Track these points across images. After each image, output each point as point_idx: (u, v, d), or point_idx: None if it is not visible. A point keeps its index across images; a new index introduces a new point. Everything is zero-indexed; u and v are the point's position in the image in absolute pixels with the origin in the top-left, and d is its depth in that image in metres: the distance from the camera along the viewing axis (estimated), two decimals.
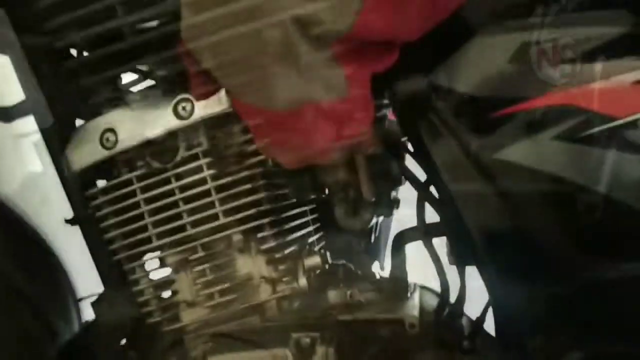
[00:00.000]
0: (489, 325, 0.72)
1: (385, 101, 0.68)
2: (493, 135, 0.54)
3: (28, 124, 0.83)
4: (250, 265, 0.72)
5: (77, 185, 0.78)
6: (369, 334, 0.66)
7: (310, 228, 0.82)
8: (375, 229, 0.78)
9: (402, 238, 0.70)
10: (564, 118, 0.50)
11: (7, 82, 0.81)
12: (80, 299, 0.91)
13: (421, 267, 0.81)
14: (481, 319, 0.69)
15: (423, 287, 0.76)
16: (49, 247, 0.98)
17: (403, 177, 0.72)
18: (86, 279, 0.92)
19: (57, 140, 0.78)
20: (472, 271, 0.65)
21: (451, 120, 0.56)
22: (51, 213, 1.01)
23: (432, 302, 0.72)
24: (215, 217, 0.69)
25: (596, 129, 0.50)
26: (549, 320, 0.55)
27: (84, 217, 0.80)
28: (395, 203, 0.75)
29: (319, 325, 0.63)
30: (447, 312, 0.65)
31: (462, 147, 0.54)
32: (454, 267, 0.67)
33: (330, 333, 0.61)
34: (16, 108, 0.82)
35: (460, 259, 0.64)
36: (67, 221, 0.82)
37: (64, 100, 0.77)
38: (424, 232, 0.63)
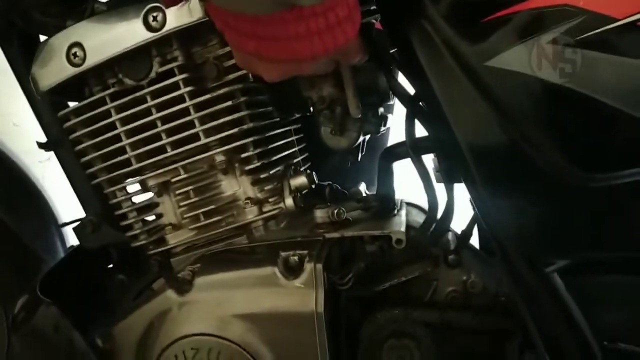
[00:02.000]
0: (474, 240, 0.74)
1: (373, 7, 0.64)
2: (486, 41, 0.50)
3: None
4: (235, 186, 0.70)
5: (46, 106, 0.75)
6: (356, 251, 0.66)
7: (295, 148, 0.80)
8: (362, 147, 0.76)
9: (390, 155, 0.68)
10: (561, 20, 0.47)
11: None
12: (63, 225, 0.90)
13: (409, 184, 0.81)
14: (467, 233, 0.69)
15: (410, 204, 0.76)
16: (24, 174, 0.96)
17: (391, 91, 0.69)
18: (68, 204, 0.90)
19: (22, 60, 0.73)
20: (458, 188, 0.65)
21: (443, 27, 0.52)
22: (25, 139, 0.97)
23: (419, 218, 0.72)
24: (195, 137, 0.67)
25: (594, 32, 0.46)
26: (536, 232, 0.54)
27: (57, 141, 0.77)
28: (383, 120, 0.72)
29: (307, 243, 0.63)
30: (433, 227, 0.65)
31: (455, 54, 0.51)
32: (442, 185, 0.66)
33: (318, 251, 0.60)
34: None
35: (448, 175, 0.62)
36: (40, 145, 0.79)
37: (26, 14, 0.71)
38: (412, 148, 0.61)
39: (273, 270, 0.59)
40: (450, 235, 0.70)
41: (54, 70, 0.67)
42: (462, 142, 0.51)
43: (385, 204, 0.70)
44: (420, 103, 0.63)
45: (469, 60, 0.50)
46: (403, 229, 0.63)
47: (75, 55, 0.66)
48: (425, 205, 0.68)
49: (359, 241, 0.66)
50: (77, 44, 0.65)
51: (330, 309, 0.59)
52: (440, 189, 0.66)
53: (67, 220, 0.85)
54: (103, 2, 0.71)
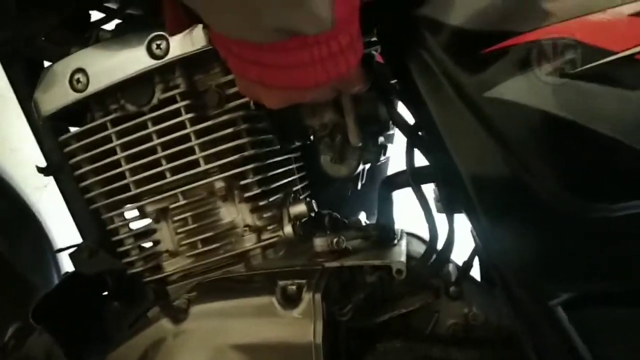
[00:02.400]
0: (475, 272, 0.73)
1: (373, 39, 0.65)
2: (486, 72, 0.51)
3: None
4: (233, 213, 0.70)
5: (48, 131, 0.75)
6: (356, 281, 0.65)
7: (295, 176, 0.80)
8: (362, 176, 0.76)
9: (390, 184, 0.68)
10: (559, 52, 0.48)
11: None
12: (58, 250, 0.89)
13: (409, 213, 0.80)
14: (468, 264, 0.68)
15: (410, 234, 0.75)
16: (21, 200, 0.95)
17: (391, 121, 0.69)
18: (63, 230, 0.89)
19: (25, 84, 0.74)
20: (458, 218, 0.64)
21: (442, 57, 0.53)
22: (23, 164, 0.97)
23: (420, 249, 0.71)
24: (195, 163, 0.67)
25: (592, 64, 0.47)
26: (537, 262, 0.54)
27: (57, 166, 0.77)
28: (383, 149, 0.72)
29: (305, 272, 0.62)
30: (434, 258, 0.64)
31: (454, 85, 0.51)
32: (442, 215, 0.66)
33: (317, 280, 0.59)
34: None
35: (449, 205, 0.62)
36: (39, 170, 0.79)
37: (31, 40, 0.72)
38: (412, 177, 0.61)
39: (271, 300, 0.58)
40: (451, 266, 0.69)
41: (56, 95, 0.68)
42: (463, 172, 0.51)
43: (385, 234, 0.69)
44: (420, 133, 0.64)
45: (469, 91, 0.50)
46: (403, 259, 0.62)
47: (78, 81, 0.66)
48: (426, 236, 0.67)
49: (358, 271, 0.65)
50: (81, 70, 0.66)
51: (329, 340, 0.57)
52: (440, 219, 0.66)
53: (63, 247, 0.85)
54: (108, 30, 0.72)
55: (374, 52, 0.67)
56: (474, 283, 0.69)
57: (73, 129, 0.72)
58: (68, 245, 0.84)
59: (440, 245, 0.66)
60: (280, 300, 0.58)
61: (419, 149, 0.61)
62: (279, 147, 0.74)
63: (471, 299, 0.67)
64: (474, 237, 0.65)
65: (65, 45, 0.70)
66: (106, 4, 0.77)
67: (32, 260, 0.95)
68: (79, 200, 0.75)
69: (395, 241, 0.70)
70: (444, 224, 0.66)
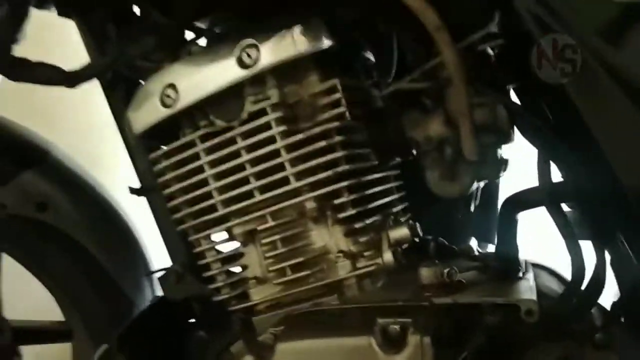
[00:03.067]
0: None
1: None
2: None
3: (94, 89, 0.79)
4: (326, 237, 0.62)
5: (141, 150, 0.73)
6: (474, 322, 0.53)
7: (395, 196, 0.71)
8: (476, 196, 0.65)
9: (516, 203, 0.56)
10: None
11: (71, 46, 0.78)
12: (150, 273, 0.87)
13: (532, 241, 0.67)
14: (619, 306, 0.54)
15: (537, 265, 0.62)
16: (120, 216, 0.96)
17: (513, 130, 0.58)
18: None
19: (123, 106, 0.73)
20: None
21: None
22: (122, 182, 0.98)
23: (551, 284, 0.58)
24: (285, 180, 0.60)
25: None
26: None
27: (149, 186, 0.75)
28: (504, 163, 0.61)
29: (410, 309, 0.52)
30: (579, 297, 0.51)
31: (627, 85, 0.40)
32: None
33: (425, 319, 0.49)
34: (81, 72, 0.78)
35: (597, 231, 0.49)
36: (132, 191, 0.78)
37: (130, 62, 0.72)
38: (550, 195, 0.49)
39: (369, 341, 0.49)
40: (594, 309, 0.55)
41: (147, 112, 0.66)
42: (629, 189, 0.39)
43: (507, 264, 0.57)
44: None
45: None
46: (534, 296, 0.50)
47: (168, 96, 0.63)
48: (558, 268, 0.54)
49: (475, 310, 0.54)
50: (171, 85, 0.63)
51: None
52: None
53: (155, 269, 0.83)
54: (200, 45, 0.69)
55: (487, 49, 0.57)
56: (623, 330, 0.54)
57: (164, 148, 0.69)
58: (161, 268, 0.83)
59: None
60: (380, 343, 0.49)
61: (555, 162, 0.49)
62: (376, 163, 0.66)
63: (623, 349, 0.52)
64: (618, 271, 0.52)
65: (161, 64, 0.69)
66: (197, 25, 0.75)
67: (133, 281, 0.95)
68: (168, 221, 0.72)
69: (521, 274, 0.57)
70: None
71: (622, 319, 0.55)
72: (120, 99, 0.77)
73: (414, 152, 0.65)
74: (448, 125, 0.58)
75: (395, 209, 0.69)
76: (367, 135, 0.64)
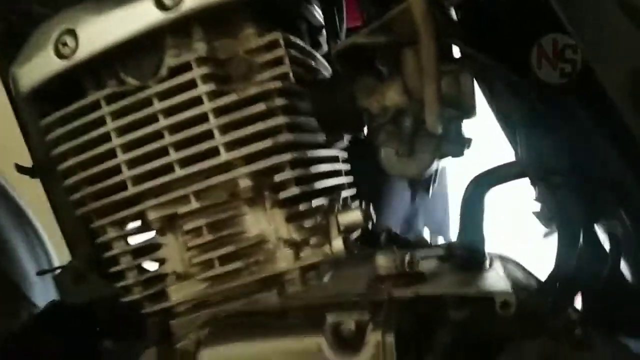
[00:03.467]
0: None
1: None
2: None
3: None
4: (263, 222, 0.52)
5: (30, 115, 0.59)
6: (440, 317, 0.45)
7: (344, 179, 0.62)
8: (434, 178, 0.57)
9: (488, 180, 0.49)
10: None
11: None
12: (40, 273, 0.72)
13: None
14: (599, 301, 0.48)
15: (502, 257, 0.55)
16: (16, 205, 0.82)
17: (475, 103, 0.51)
18: None
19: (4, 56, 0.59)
20: None
21: None
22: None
23: (520, 277, 0.51)
24: (214, 152, 0.49)
25: None
26: None
27: (42, 162, 0.61)
28: (467, 141, 0.54)
29: (364, 305, 0.43)
30: (559, 289, 0.44)
31: None
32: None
33: (385, 315, 0.40)
34: None
35: (593, 211, 0.43)
36: (20, 170, 0.63)
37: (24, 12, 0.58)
38: (540, 169, 0.42)
39: (317, 342, 0.39)
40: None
41: (38, 65, 0.52)
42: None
43: (472, 254, 0.50)
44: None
45: None
46: (509, 288, 0.43)
47: (65, 44, 0.50)
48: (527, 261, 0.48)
49: (441, 304, 0.45)
50: (69, 32, 0.51)
51: None
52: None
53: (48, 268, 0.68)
54: None
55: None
56: (599, 327, 0.48)
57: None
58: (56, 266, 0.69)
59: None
60: (332, 344, 0.39)
61: (537, 133, 0.42)
62: (323, 138, 0.56)
63: (603, 349, 0.46)
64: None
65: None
66: None
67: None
68: (67, 205, 0.59)
69: (488, 264, 0.50)
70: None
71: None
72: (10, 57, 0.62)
73: (365, 127, 0.56)
74: (406, 93, 0.50)
75: (343, 195, 0.60)
76: (313, 104, 0.54)
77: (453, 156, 0.54)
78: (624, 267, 0.47)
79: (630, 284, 0.49)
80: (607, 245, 0.48)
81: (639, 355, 0.47)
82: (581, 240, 0.44)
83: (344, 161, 0.65)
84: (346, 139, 0.65)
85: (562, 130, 0.41)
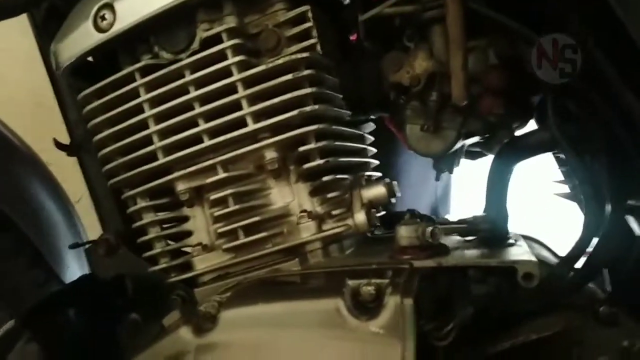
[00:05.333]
0: None
1: None
2: None
3: None
4: (287, 195, 0.52)
5: (68, 89, 0.62)
6: (459, 291, 0.44)
7: (369, 159, 0.62)
8: (460, 155, 0.57)
9: (517, 150, 0.48)
10: None
11: None
12: (72, 246, 0.74)
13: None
14: (626, 278, 0.46)
15: (527, 237, 0.54)
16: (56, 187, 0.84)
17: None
18: None
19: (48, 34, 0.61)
20: None
21: None
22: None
23: (545, 255, 0.50)
24: (242, 123, 0.50)
25: None
26: None
27: (80, 138, 0.63)
28: (491, 119, 0.53)
29: (386, 271, 0.43)
30: (583, 265, 0.43)
31: None
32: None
33: (405, 281, 0.40)
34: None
35: (620, 192, 0.42)
36: (59, 146, 0.65)
37: None
38: (566, 140, 0.41)
39: (336, 304, 0.39)
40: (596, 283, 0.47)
41: (78, 39, 0.55)
42: None
43: (497, 229, 0.49)
44: None
45: None
46: (534, 259, 0.42)
47: (103, 18, 0.53)
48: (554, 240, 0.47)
49: (462, 277, 0.45)
50: (107, 6, 0.53)
51: None
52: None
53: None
54: None
55: None
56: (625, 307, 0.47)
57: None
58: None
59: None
60: (350, 306, 0.39)
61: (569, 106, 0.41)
62: (349, 112, 0.57)
63: (632, 326, 0.44)
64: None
65: None
66: None
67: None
68: (100, 179, 0.61)
69: (512, 240, 0.49)
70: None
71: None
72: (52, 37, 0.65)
73: (389, 108, 0.56)
74: (434, 59, 0.50)
75: (368, 172, 0.61)
76: (340, 81, 0.55)
77: (479, 135, 0.54)
78: None
79: None
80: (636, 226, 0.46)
81: None
82: (608, 217, 0.43)
83: (370, 144, 0.65)
84: (370, 126, 0.65)
85: (596, 100, 0.41)
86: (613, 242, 0.43)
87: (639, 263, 0.46)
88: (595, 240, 0.44)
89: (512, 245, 0.48)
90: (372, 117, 0.62)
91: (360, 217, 0.50)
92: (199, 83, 0.51)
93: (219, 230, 0.53)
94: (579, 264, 0.45)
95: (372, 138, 0.65)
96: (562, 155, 0.49)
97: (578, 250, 0.44)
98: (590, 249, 0.44)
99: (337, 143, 0.53)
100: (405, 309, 0.37)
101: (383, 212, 0.60)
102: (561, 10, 0.40)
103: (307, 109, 0.50)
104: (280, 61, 0.50)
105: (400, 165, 0.87)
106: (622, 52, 0.38)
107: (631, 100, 0.38)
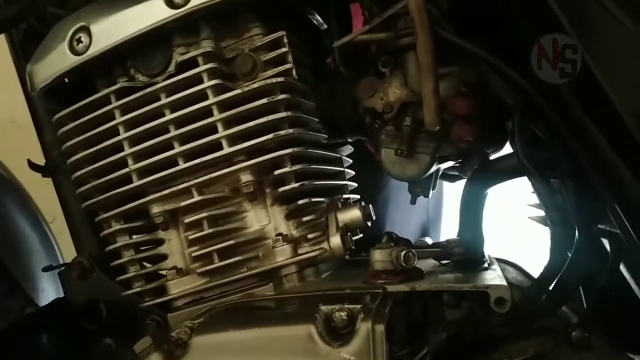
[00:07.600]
0: None
1: None
2: None
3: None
4: (263, 218, 0.52)
5: (43, 111, 0.61)
6: (432, 315, 0.44)
7: (345, 182, 0.62)
8: (434, 180, 0.57)
9: (488, 175, 0.49)
10: None
11: None
12: (46, 269, 0.73)
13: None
14: (597, 302, 0.47)
15: (501, 260, 0.54)
16: (31, 207, 0.83)
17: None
18: None
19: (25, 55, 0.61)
20: None
21: None
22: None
23: (519, 278, 0.50)
24: (217, 146, 0.50)
25: None
26: None
27: (56, 161, 0.63)
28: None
29: (359, 296, 0.42)
30: (554, 288, 0.43)
31: None
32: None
33: (377, 306, 0.40)
34: None
35: (586, 209, 0.42)
36: (33, 167, 0.65)
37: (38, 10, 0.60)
38: (532, 165, 0.42)
39: (308, 330, 0.39)
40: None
41: (53, 61, 0.55)
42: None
43: (472, 253, 0.49)
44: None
45: None
46: (505, 283, 0.42)
47: (79, 41, 0.53)
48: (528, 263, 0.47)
49: (436, 301, 0.45)
50: (83, 29, 0.53)
51: None
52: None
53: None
54: None
55: None
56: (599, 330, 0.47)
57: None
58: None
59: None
60: (322, 332, 0.39)
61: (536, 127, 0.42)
62: (325, 136, 0.57)
63: (603, 351, 0.45)
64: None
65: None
66: None
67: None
68: (75, 202, 0.60)
69: (486, 264, 0.49)
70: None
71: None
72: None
73: (366, 131, 0.57)
74: (407, 87, 0.50)
75: (344, 195, 0.61)
76: (317, 105, 0.55)
77: (452, 160, 0.54)
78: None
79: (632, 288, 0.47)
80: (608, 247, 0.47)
81: None
82: (577, 239, 0.43)
83: (348, 167, 0.65)
84: (348, 149, 0.65)
85: (560, 128, 0.41)
86: (581, 265, 0.43)
87: (611, 283, 0.46)
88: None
89: (486, 269, 0.49)
90: (350, 140, 0.62)
91: (335, 240, 0.50)
92: (175, 106, 0.51)
93: (194, 254, 0.53)
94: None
95: (350, 160, 0.65)
96: None
97: (549, 273, 0.44)
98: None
99: (312, 166, 0.54)
100: (377, 335, 0.37)
101: (360, 235, 0.60)
102: (526, 40, 0.41)
103: (282, 132, 0.50)
104: (255, 85, 0.50)
105: (391, 186, 0.87)
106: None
107: (594, 131, 0.39)
